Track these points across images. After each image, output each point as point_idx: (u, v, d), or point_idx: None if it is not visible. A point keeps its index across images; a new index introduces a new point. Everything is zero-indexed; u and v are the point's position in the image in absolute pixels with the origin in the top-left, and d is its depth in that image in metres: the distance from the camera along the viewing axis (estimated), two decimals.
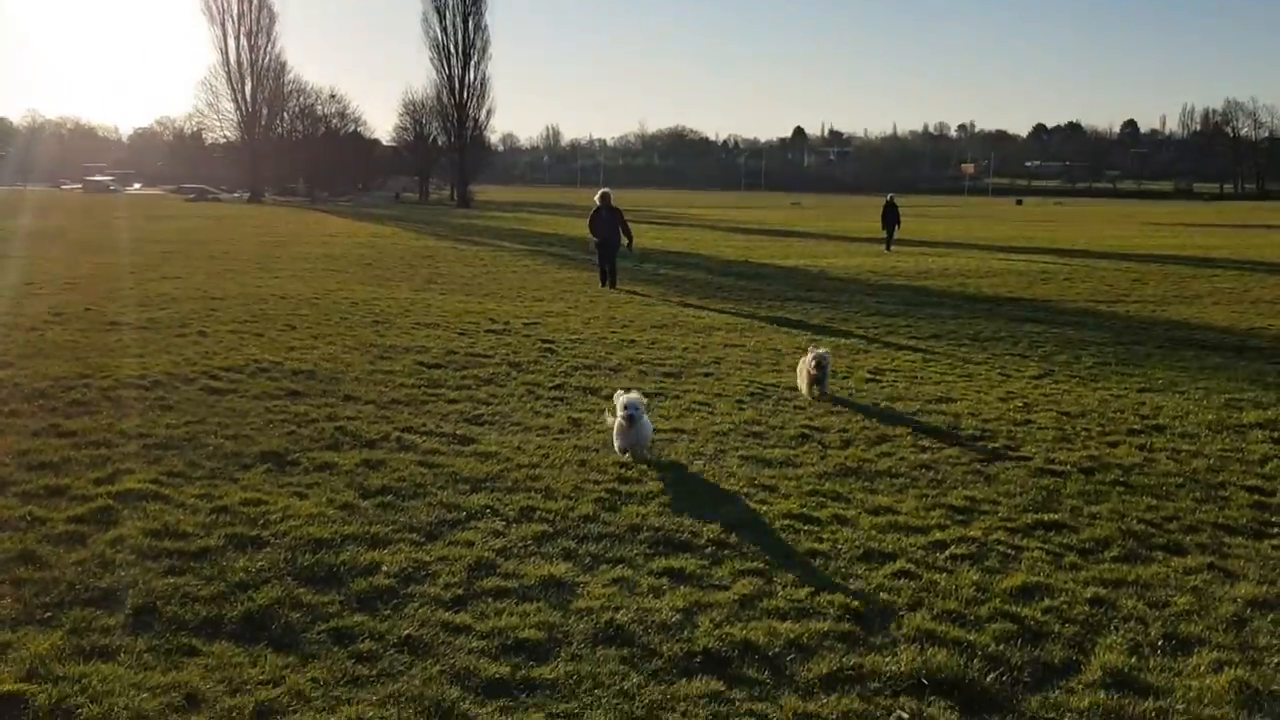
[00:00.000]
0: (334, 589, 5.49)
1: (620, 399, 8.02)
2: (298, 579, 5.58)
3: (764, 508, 7.04)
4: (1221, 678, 4.72)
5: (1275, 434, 9.37)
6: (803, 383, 10.62)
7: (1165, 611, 5.50)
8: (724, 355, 13.16)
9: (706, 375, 11.77)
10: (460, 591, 5.51)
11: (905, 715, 4.43)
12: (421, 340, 13.59)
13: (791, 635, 5.11)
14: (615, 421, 8.01)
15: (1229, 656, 4.96)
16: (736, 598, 5.55)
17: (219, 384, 10.43)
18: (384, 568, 5.77)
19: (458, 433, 8.76)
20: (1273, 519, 7.08)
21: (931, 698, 4.57)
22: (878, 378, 11.82)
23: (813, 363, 10.36)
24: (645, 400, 8.15)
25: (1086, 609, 5.53)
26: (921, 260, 30.30)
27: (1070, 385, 11.63)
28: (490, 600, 5.42)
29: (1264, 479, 7.99)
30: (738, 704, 4.47)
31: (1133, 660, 4.93)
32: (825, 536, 6.54)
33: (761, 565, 6.04)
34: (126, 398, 9.70)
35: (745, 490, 7.44)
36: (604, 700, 4.45)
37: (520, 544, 6.23)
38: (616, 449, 8.06)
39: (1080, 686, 4.69)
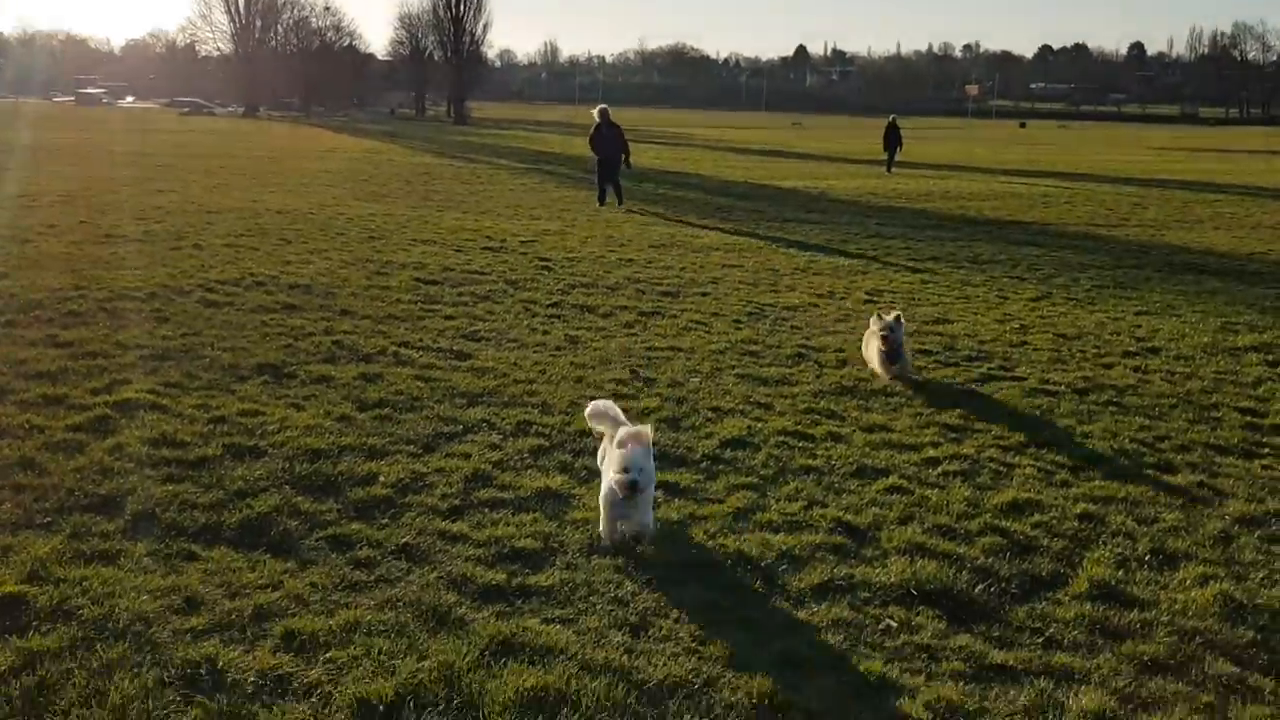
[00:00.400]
0: (332, 498, 5.54)
1: (621, 451, 4.97)
2: (295, 488, 5.63)
3: (759, 424, 7.08)
4: (1206, 591, 4.80)
5: (1270, 357, 9.40)
6: (875, 362, 8.24)
7: (1153, 528, 5.57)
8: (722, 275, 13.12)
9: (704, 295, 11.75)
10: (457, 502, 5.56)
11: (894, 624, 4.51)
12: (418, 256, 13.53)
13: (784, 547, 5.17)
14: (607, 479, 5.08)
15: (1215, 571, 5.04)
16: (730, 511, 5.62)
17: (215, 297, 10.40)
18: (381, 478, 5.82)
19: (454, 348, 8.77)
20: (1264, 440, 7.14)
21: (920, 607, 4.64)
22: (875, 299, 11.81)
23: (880, 336, 7.98)
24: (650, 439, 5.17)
25: (1075, 524, 5.59)
26: (922, 182, 30.06)
27: (1067, 308, 11.63)
28: (486, 510, 5.47)
29: (1257, 401, 8.04)
30: (729, 611, 4.54)
31: (1119, 574, 5.00)
32: (819, 453, 6.60)
33: (756, 480, 6.10)
34: (123, 309, 9.69)
35: (741, 407, 7.47)
36: (598, 606, 4.52)
37: (516, 457, 6.27)
38: (603, 530, 5.14)
39: (1067, 598, 4.77)
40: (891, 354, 8.03)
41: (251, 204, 19.12)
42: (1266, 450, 6.94)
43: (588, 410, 5.53)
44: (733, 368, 8.56)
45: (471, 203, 21.24)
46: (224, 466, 5.89)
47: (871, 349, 8.25)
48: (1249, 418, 7.61)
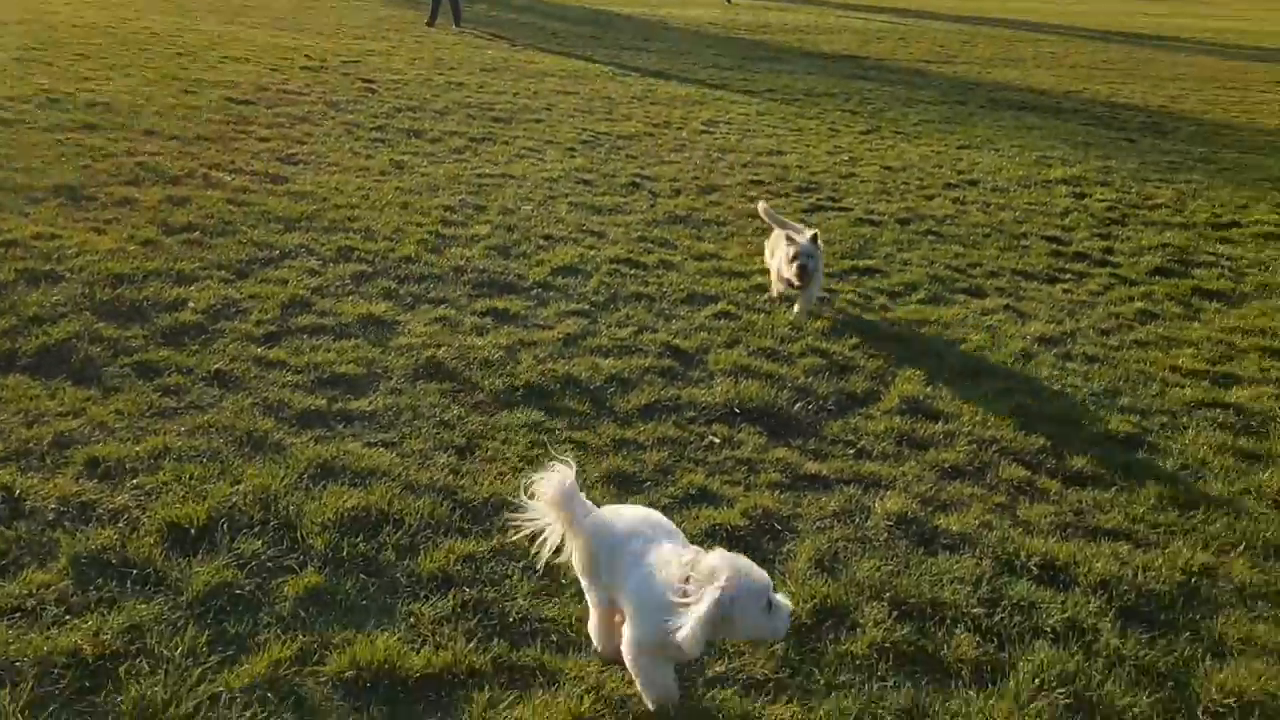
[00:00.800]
0: (137, 324, 5.24)
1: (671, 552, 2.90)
2: (97, 314, 5.29)
3: (592, 253, 7.03)
4: (1004, 404, 5.10)
5: (1077, 189, 9.86)
6: (777, 285, 6.37)
7: (961, 347, 5.85)
8: (556, 102, 12.77)
9: (537, 121, 11.43)
10: (273, 328, 5.35)
11: (717, 439, 4.64)
12: (230, 75, 12.62)
13: (613, 371, 5.21)
14: (641, 623, 2.91)
15: (1014, 386, 5.35)
16: (560, 337, 5.60)
17: (4, 114, 9.48)
18: (191, 304, 5.52)
19: (270, 171, 8.30)
20: (1066, 266, 7.54)
21: (742, 424, 4.79)
22: (711, 130, 11.74)
23: (795, 266, 5.93)
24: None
25: (891, 345, 5.83)
26: (762, 14, 29.74)
27: (895, 141, 11.85)
28: (305, 337, 5.29)
29: (1063, 230, 8.45)
30: (558, 432, 4.58)
31: (928, 390, 5.25)
32: (651, 280, 6.61)
33: (587, 307, 6.09)
34: None
35: (573, 236, 7.39)
36: (423, 430, 4.48)
37: (337, 283, 6.05)
38: (651, 690, 2.98)
39: (878, 413, 5.00)
40: (802, 284, 6.09)
41: (41, 15, 17.34)
42: (1068, 275, 7.34)
43: (543, 488, 3.07)
44: (566, 196, 8.42)
45: (289, 19, 19.85)
46: (17, 292, 5.47)
47: (778, 259, 6.25)
48: (1054, 245, 8.00)
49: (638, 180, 9.12)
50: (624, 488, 4.16)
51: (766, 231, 6.71)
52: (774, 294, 6.42)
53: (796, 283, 5.99)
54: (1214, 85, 18.48)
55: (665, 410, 4.87)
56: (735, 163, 10.08)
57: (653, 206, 8.33)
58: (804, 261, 5.91)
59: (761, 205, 6.65)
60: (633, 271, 6.75)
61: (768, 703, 3.07)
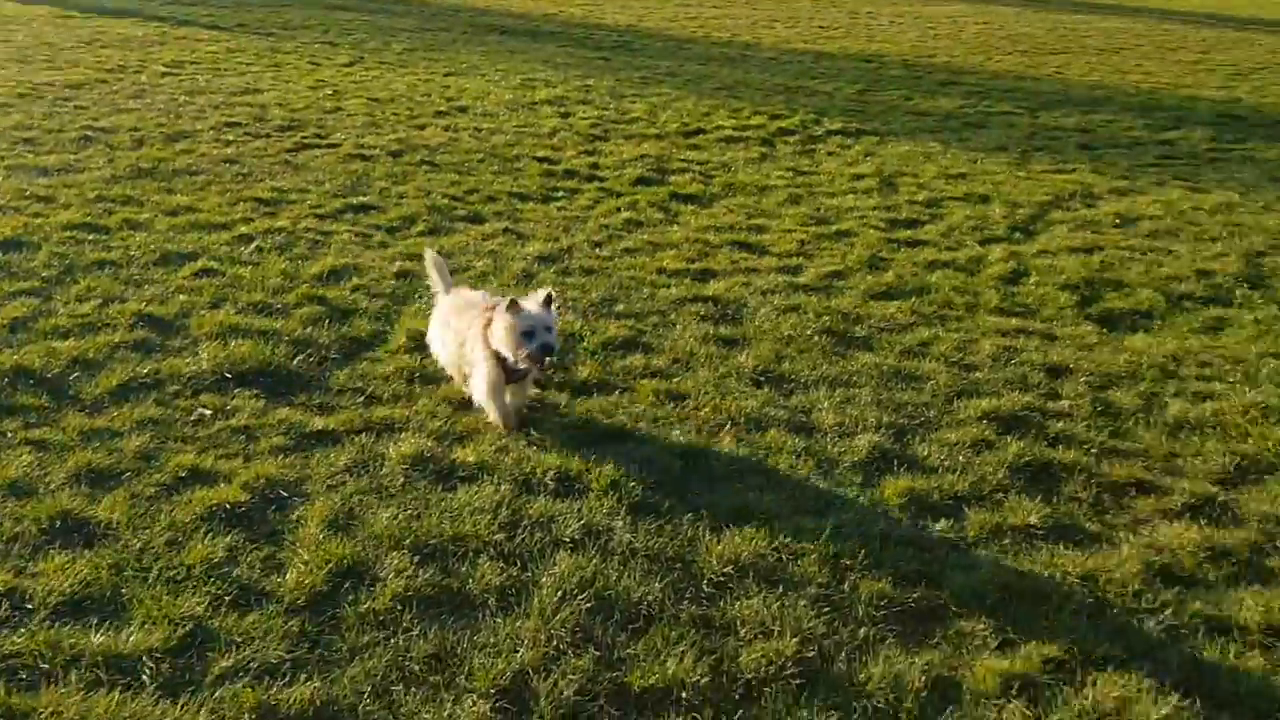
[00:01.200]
0: None
1: None
2: None
3: (39, 221, 6.11)
4: None
5: (561, 109, 10.18)
6: (490, 402, 4.22)
7: (467, 275, 5.79)
8: None
9: None
10: None
11: (207, 412, 4.20)
12: None
13: (75, 353, 4.56)
14: None
15: None
16: (5, 322, 4.80)
17: None
18: None
19: None
20: (558, 185, 7.74)
21: (236, 390, 4.38)
22: (176, 71, 10.68)
23: (535, 346, 4.04)
24: None
25: (393, 283, 5.63)
26: None
27: (380, 72, 11.52)
28: None
29: (552, 149, 8.67)
30: (10, 435, 3.90)
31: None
32: (115, 244, 5.88)
33: (37, 284, 5.28)
34: None
35: (13, 204, 6.39)
36: None
37: None
38: None
39: (386, 354, 4.81)
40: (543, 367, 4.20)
41: None
42: (560, 193, 7.55)
43: None
44: (1, 159, 7.24)
45: None
46: None
47: (489, 377, 4.19)
48: (545, 165, 8.19)
49: (91, 134, 8.06)
50: (99, 485, 3.63)
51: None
52: (495, 417, 4.22)
53: (527, 367, 4.14)
54: (674, 3, 19.99)
55: (143, 389, 4.34)
56: (206, 105, 9.24)
57: (111, 162, 7.40)
58: (545, 339, 4.08)
59: (430, 254, 4.76)
60: (92, 237, 5.96)
61: (285, 686, 2.81)
